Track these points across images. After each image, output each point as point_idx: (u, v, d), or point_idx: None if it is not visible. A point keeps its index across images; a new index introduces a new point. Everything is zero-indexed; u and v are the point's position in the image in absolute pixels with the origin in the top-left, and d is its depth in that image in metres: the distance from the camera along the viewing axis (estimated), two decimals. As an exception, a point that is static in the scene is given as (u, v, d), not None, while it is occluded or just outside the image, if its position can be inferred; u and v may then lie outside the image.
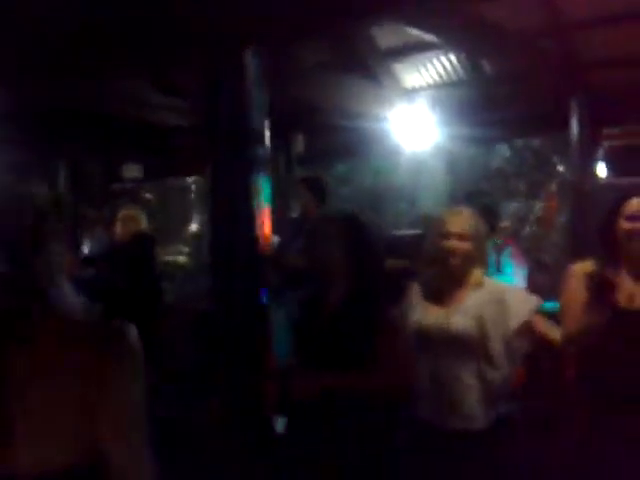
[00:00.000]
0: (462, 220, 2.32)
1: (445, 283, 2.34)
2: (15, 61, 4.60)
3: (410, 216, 7.66)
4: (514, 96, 4.95)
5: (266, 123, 2.93)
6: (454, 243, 2.28)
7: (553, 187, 6.68)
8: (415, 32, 4.81)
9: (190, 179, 8.32)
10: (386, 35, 4.93)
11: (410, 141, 5.39)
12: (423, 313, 2.33)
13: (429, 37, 4.83)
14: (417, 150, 5.65)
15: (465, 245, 2.29)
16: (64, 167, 7.00)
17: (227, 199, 2.86)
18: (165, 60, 3.94)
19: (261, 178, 2.85)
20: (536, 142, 7.03)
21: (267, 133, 2.90)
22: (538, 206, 6.49)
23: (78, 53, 4.53)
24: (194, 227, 9.01)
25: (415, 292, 2.41)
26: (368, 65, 5.15)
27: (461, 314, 2.27)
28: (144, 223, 5.68)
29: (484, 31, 4.04)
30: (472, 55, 4.80)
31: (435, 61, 5.07)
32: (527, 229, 6.19)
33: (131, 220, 5.57)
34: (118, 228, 5.64)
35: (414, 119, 5.18)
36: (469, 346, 2.24)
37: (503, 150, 7.07)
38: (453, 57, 4.95)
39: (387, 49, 5.07)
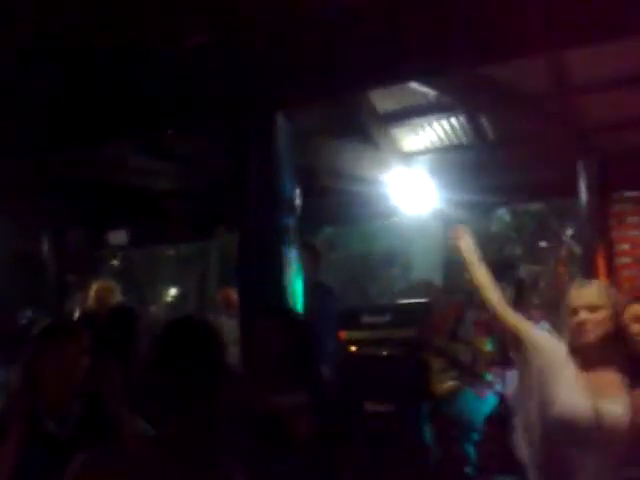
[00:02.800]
0: (591, 291, 2.15)
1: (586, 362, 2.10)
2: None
3: (403, 283, 7.43)
4: (517, 160, 4.81)
5: (297, 190, 2.80)
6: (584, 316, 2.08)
7: (563, 252, 6.51)
8: (414, 95, 4.72)
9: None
10: (384, 98, 4.80)
11: (407, 205, 5.21)
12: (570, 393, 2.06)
13: (428, 100, 4.74)
14: (413, 214, 5.47)
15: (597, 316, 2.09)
16: (48, 233, 6.77)
17: (257, 268, 2.68)
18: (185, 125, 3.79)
19: (292, 248, 2.70)
20: (536, 206, 6.89)
21: (298, 201, 2.77)
22: (543, 272, 6.29)
23: (65, 121, 4.41)
24: (173, 292, 8.69)
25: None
26: (366, 128, 5.01)
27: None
28: (118, 296, 5.47)
29: (492, 91, 3.92)
30: (475, 117, 4.66)
31: (435, 124, 4.93)
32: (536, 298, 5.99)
33: (106, 292, 5.35)
34: (91, 300, 5.40)
35: (412, 183, 5.02)
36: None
37: (503, 214, 6.92)
38: (454, 120, 4.80)
39: (385, 112, 4.94)
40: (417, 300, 5.28)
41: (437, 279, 6.10)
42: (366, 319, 5.22)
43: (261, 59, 2.90)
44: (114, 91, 3.81)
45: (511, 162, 4.87)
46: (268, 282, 2.91)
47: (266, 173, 2.99)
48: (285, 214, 2.98)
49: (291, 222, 3.02)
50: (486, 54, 2.56)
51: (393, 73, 2.79)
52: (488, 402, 4.58)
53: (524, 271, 4.81)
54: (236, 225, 3.68)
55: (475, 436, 4.56)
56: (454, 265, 5.82)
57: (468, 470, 4.50)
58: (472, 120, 4.77)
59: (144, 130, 4.53)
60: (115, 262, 7.08)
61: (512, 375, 4.51)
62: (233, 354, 4.75)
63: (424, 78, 3.51)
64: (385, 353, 5.00)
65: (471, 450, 4.54)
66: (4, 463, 2.10)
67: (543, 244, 6.78)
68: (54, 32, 3.07)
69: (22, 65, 3.40)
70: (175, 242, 7.20)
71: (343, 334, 4.70)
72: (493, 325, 4.48)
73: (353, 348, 5.02)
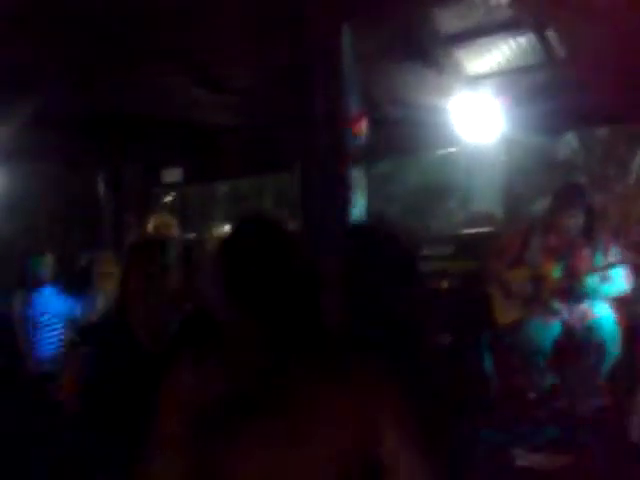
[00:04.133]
0: None
1: None
2: (51, 66, 4.42)
3: (461, 216, 7.24)
4: (588, 81, 4.56)
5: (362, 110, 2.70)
6: None
7: (631, 180, 6.25)
8: (479, 15, 4.48)
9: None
10: (448, 18, 4.57)
11: (470, 133, 5.02)
12: None
13: (494, 19, 4.49)
14: (474, 144, 5.28)
15: None
16: (104, 173, 6.79)
17: (320, 191, 2.61)
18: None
19: (357, 170, 2.63)
20: (603, 132, 6.59)
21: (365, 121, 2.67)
22: (611, 199, 6.05)
23: (116, 51, 4.32)
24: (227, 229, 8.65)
25: None
26: (427, 51, 4.79)
27: None
28: (176, 230, 5.49)
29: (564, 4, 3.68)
30: (545, 35, 4.40)
31: (501, 45, 4.68)
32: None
33: (163, 227, 5.38)
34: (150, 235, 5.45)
35: (476, 108, 4.82)
36: None
37: (570, 140, 6.63)
38: (522, 39, 4.55)
39: (449, 33, 4.70)
40: (479, 230, 5.14)
41: (498, 211, 5.93)
42: (426, 251, 5.11)
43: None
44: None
45: (582, 83, 4.61)
46: (333, 211, 2.84)
47: (332, 94, 2.88)
48: (351, 139, 2.89)
49: (357, 148, 2.94)
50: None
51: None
52: (553, 329, 4.47)
53: (593, 198, 4.60)
54: (297, 156, 3.58)
55: (541, 362, 4.48)
56: (516, 195, 5.64)
57: (531, 397, 4.44)
58: (541, 38, 4.51)
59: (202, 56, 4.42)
60: (169, 199, 7.08)
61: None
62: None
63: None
64: (447, 285, 4.91)
65: (537, 377, 4.47)
66: None
67: (611, 171, 6.52)
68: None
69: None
70: (229, 178, 7.16)
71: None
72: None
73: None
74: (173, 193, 7.19)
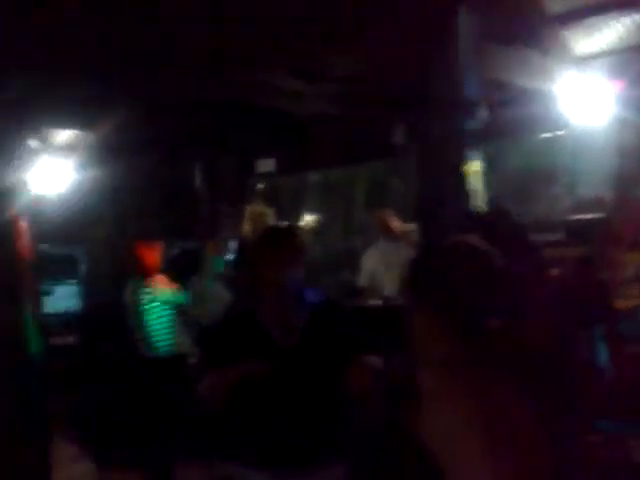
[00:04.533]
0: None
1: None
2: (151, 58, 4.49)
3: (567, 202, 6.95)
4: None
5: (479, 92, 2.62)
6: None
7: None
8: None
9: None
10: (554, -1, 4.39)
11: (579, 115, 4.81)
12: None
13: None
14: (581, 126, 5.06)
15: None
16: (201, 164, 6.91)
17: (436, 176, 2.55)
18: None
19: (474, 154, 2.55)
20: None
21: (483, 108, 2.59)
22: None
23: (215, 44, 4.35)
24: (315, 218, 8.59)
25: None
26: (534, 32, 4.62)
27: None
28: (272, 219, 5.51)
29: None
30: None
31: (613, 23, 4.46)
32: None
33: (259, 217, 5.40)
34: (246, 225, 5.50)
35: (585, 90, 4.61)
36: None
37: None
38: (638, 17, 4.32)
39: (556, 13, 4.52)
40: (590, 215, 4.92)
41: (607, 195, 5.65)
42: (534, 237, 4.91)
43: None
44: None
45: None
46: (450, 196, 2.77)
47: (449, 78, 2.80)
48: (468, 121, 2.81)
49: (474, 130, 2.86)
50: None
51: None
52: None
53: None
54: (396, 145, 3.50)
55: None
56: (627, 177, 5.37)
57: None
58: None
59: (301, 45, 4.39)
60: (261, 189, 7.14)
61: None
62: (395, 276, 4.61)
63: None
64: (558, 272, 4.71)
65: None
66: None
67: None
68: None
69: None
70: (322, 168, 7.15)
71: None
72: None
73: (521, 268, 4.77)
74: (264, 183, 7.24)
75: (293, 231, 2.54)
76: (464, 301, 1.36)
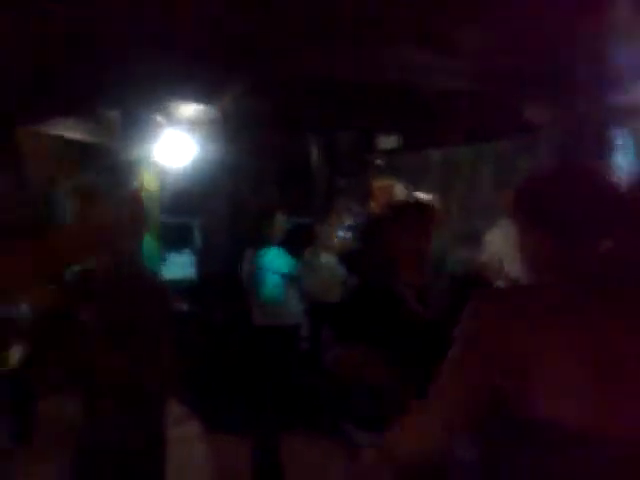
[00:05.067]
0: None
1: None
2: (273, 35, 4.40)
3: None
4: None
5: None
6: None
7: None
8: None
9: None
10: None
11: None
12: None
13: None
14: None
15: None
16: (319, 138, 6.84)
17: (580, 155, 2.35)
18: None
19: (621, 131, 2.32)
20: None
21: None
22: None
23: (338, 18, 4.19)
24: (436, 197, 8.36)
25: None
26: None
27: None
28: (402, 195, 5.37)
29: None
30: None
31: None
32: None
33: (387, 192, 5.30)
34: (373, 201, 5.40)
35: None
36: None
37: None
38: None
39: None
40: None
41: None
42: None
43: None
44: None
45: None
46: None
47: (598, 49, 2.54)
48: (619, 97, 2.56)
49: (625, 106, 2.60)
50: None
51: None
52: None
53: None
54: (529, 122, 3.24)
55: None
56: None
57: None
58: None
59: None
60: (380, 165, 6.97)
61: None
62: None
63: None
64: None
65: None
66: None
67: None
68: None
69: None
70: (446, 145, 6.89)
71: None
72: None
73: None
74: (384, 159, 7.07)
75: (431, 205, 2.46)
76: (576, 222, 1.37)
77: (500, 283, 5.10)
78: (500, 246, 5.33)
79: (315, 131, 6.91)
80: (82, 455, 2.52)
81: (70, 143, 4.76)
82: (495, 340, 1.35)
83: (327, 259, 5.62)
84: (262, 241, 5.30)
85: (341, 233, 5.88)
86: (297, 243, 5.71)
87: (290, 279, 5.32)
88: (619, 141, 2.66)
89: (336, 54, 4.92)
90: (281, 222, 5.42)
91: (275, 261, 5.29)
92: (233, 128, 5.73)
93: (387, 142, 6.45)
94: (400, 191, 5.30)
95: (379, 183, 5.39)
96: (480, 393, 1.36)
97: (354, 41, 4.64)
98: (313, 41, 4.63)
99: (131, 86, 3.91)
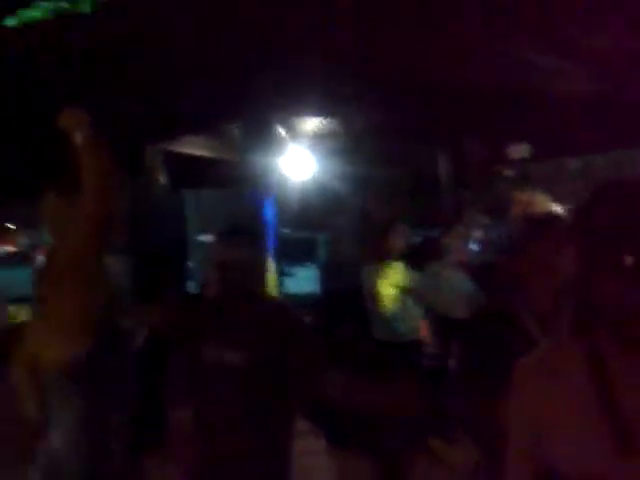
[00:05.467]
0: None
1: None
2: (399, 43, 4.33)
3: None
4: None
5: None
6: None
7: None
8: None
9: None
10: None
11: None
12: None
13: None
14: None
15: None
16: (446, 148, 6.66)
17: None
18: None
19: None
20: None
21: None
22: None
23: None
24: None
25: None
26: None
27: None
28: (544, 207, 5.09)
29: None
30: None
31: None
32: None
33: (527, 203, 5.04)
34: (515, 211, 5.16)
35: None
36: None
37: None
38: None
39: None
40: None
41: None
42: None
43: None
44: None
45: None
46: None
47: None
48: None
49: None
50: None
51: None
52: None
53: None
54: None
55: None
56: None
57: None
58: None
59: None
60: (510, 176, 6.68)
61: None
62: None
63: None
64: None
65: None
66: None
67: None
68: None
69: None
70: (585, 154, 6.49)
71: None
72: None
73: None
74: (514, 169, 6.76)
75: (550, 221, 2.25)
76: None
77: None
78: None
79: (442, 141, 6.75)
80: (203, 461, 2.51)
81: (195, 159, 4.92)
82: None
83: (453, 273, 5.43)
84: (385, 254, 5.21)
85: (469, 246, 5.67)
86: (422, 256, 5.57)
87: (412, 293, 5.18)
88: None
89: (463, 63, 4.78)
90: (405, 235, 5.30)
91: (396, 275, 5.18)
92: (355, 141, 5.70)
93: (517, 152, 6.15)
94: (543, 203, 5.02)
95: (519, 194, 5.14)
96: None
97: (486, 50, 4.49)
98: (443, 54, 4.53)
99: (253, 101, 3.97)
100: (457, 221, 6.19)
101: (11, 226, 16.37)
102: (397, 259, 5.22)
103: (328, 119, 5.24)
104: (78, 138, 2.16)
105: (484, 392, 1.97)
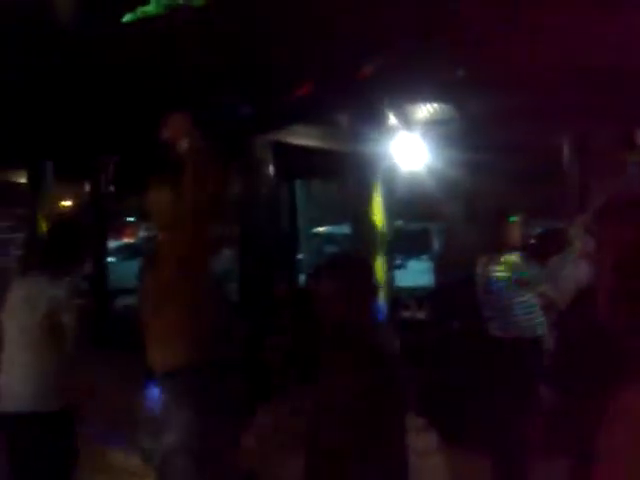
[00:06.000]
0: None
1: None
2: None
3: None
4: None
5: None
6: None
7: None
8: None
9: None
10: None
11: None
12: None
13: None
14: None
15: None
16: (571, 136, 6.30)
17: None
18: None
19: None
20: None
21: None
22: None
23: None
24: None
25: None
26: None
27: None
28: None
29: None
30: None
31: None
32: None
33: None
34: None
35: None
36: None
37: None
38: None
39: None
40: None
41: None
42: None
43: None
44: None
45: None
46: None
47: None
48: None
49: None
50: None
51: None
52: None
53: None
54: None
55: None
56: None
57: None
58: None
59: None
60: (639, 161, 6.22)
61: None
62: None
63: None
64: None
65: None
66: None
67: None
68: None
69: None
70: None
71: None
72: None
73: None
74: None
75: None
76: None
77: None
78: None
79: (566, 126, 6.39)
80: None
81: (305, 150, 4.89)
82: None
83: (578, 266, 5.10)
84: (500, 246, 4.95)
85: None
86: (544, 247, 5.28)
87: (531, 287, 4.90)
88: None
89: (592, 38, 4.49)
90: (523, 225, 5.01)
91: (513, 268, 4.91)
92: (471, 128, 5.48)
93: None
94: None
95: None
96: None
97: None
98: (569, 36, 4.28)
99: (362, 88, 3.88)
100: (582, 211, 5.84)
101: (131, 219, 17.21)
102: (515, 250, 4.96)
103: (441, 105, 5.05)
104: (183, 146, 2.20)
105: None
